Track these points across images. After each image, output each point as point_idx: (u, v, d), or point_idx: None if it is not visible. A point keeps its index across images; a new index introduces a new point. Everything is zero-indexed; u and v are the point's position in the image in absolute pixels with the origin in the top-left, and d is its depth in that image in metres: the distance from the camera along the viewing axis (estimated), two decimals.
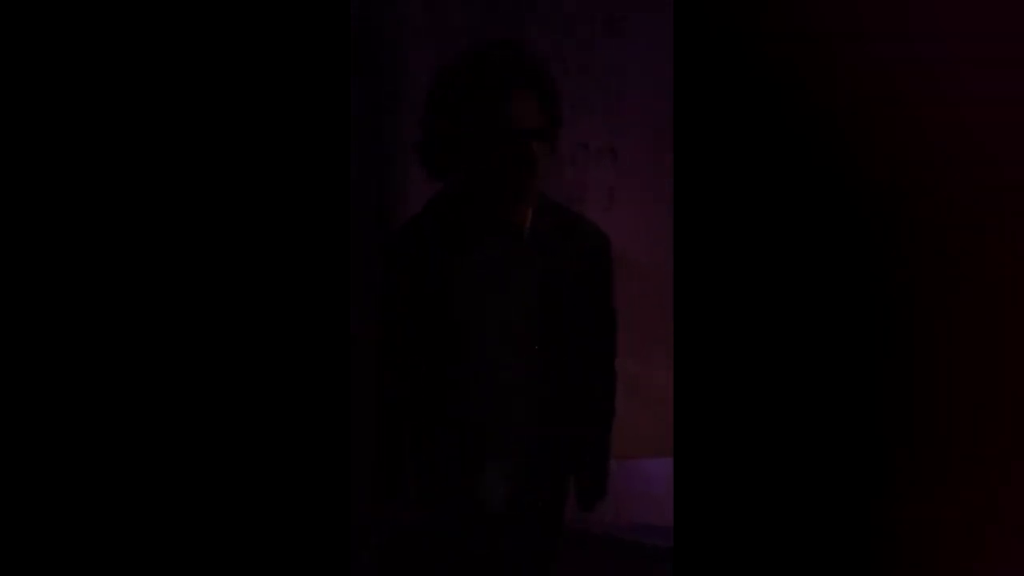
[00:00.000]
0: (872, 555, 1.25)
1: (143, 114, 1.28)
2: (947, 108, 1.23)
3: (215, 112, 1.29)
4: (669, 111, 1.35)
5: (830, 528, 1.26)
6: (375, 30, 2.55)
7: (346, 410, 1.35)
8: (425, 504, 1.84)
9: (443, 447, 1.82)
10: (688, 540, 1.28)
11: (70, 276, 1.27)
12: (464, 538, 1.83)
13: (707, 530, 1.27)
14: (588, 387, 1.87)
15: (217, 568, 1.29)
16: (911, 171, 1.24)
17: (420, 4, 2.60)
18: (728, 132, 1.26)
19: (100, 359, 1.27)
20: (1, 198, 1.25)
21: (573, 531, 2.05)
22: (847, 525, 1.26)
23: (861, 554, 1.25)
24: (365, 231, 2.48)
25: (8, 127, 1.25)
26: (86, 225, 1.27)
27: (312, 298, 1.32)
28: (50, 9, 1.26)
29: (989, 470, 1.24)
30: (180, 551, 1.28)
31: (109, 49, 1.27)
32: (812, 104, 1.25)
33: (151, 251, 1.28)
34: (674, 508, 1.31)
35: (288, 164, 1.31)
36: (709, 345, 1.28)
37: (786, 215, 1.26)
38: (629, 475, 2.68)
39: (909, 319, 1.25)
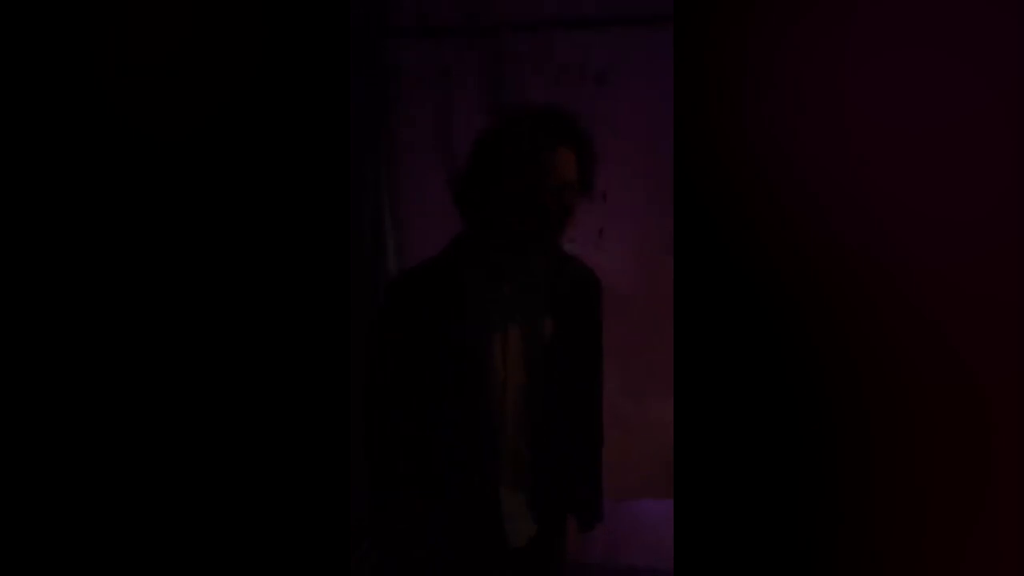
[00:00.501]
0: None
1: (139, 114, 1.28)
2: (951, 120, 1.22)
3: (213, 112, 1.29)
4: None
5: (835, 570, 1.24)
6: (375, 30, 2.59)
7: (346, 411, 1.33)
8: (429, 539, 1.85)
9: (450, 481, 1.84)
10: None
11: (69, 279, 1.26)
12: (469, 572, 1.84)
13: (708, 572, 1.25)
14: (585, 421, 1.95)
15: (217, 569, 1.27)
16: (918, 187, 1.23)
17: (420, 4, 2.65)
18: (730, 170, 1.26)
19: (102, 363, 1.26)
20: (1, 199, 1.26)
21: (574, 569, 2.05)
22: (853, 567, 1.24)
23: None
24: (365, 231, 2.50)
25: (6, 129, 1.25)
26: (84, 227, 1.27)
27: (311, 299, 1.31)
28: (48, 8, 1.26)
29: (994, 491, 1.22)
30: (180, 552, 1.27)
31: (106, 47, 1.27)
32: (813, 138, 1.25)
33: (146, 245, 1.28)
34: (674, 551, 1.30)
35: (287, 164, 1.30)
36: (710, 385, 1.27)
37: (787, 248, 1.26)
38: (629, 516, 2.66)
39: (918, 356, 1.24)
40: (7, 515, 1.24)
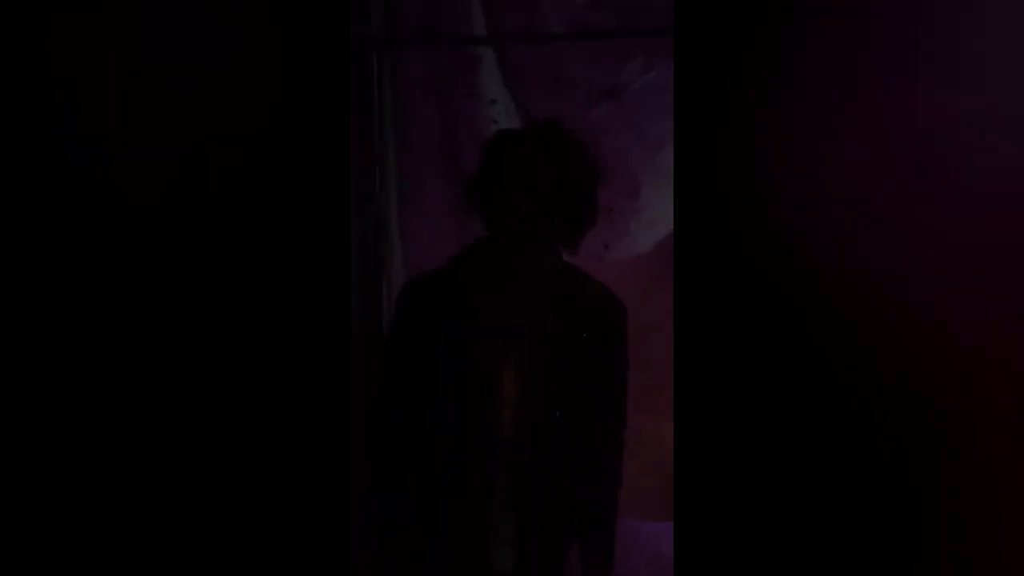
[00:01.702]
0: None
1: (138, 115, 1.28)
2: (949, 128, 1.23)
3: (214, 115, 1.29)
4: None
5: None
6: (375, 31, 2.60)
7: (346, 411, 1.34)
8: (426, 563, 1.84)
9: (448, 508, 1.83)
10: None
11: (70, 281, 1.27)
12: None
13: None
14: (597, 455, 1.90)
15: (218, 569, 1.27)
16: (917, 196, 1.24)
17: (420, 4, 2.67)
18: (729, 187, 1.27)
19: (104, 362, 1.27)
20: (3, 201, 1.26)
21: None
22: None
23: None
24: (369, 234, 2.51)
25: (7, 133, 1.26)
26: (83, 228, 1.27)
27: (312, 300, 1.31)
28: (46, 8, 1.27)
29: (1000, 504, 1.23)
30: (181, 552, 1.27)
31: (106, 49, 1.27)
32: (813, 146, 1.25)
33: (147, 247, 1.28)
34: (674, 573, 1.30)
35: (287, 165, 1.31)
36: (710, 406, 1.26)
37: (787, 260, 1.26)
38: (628, 535, 2.64)
39: (914, 364, 1.24)
40: (8, 515, 1.24)
